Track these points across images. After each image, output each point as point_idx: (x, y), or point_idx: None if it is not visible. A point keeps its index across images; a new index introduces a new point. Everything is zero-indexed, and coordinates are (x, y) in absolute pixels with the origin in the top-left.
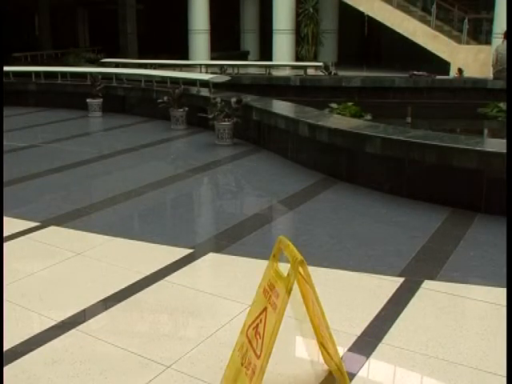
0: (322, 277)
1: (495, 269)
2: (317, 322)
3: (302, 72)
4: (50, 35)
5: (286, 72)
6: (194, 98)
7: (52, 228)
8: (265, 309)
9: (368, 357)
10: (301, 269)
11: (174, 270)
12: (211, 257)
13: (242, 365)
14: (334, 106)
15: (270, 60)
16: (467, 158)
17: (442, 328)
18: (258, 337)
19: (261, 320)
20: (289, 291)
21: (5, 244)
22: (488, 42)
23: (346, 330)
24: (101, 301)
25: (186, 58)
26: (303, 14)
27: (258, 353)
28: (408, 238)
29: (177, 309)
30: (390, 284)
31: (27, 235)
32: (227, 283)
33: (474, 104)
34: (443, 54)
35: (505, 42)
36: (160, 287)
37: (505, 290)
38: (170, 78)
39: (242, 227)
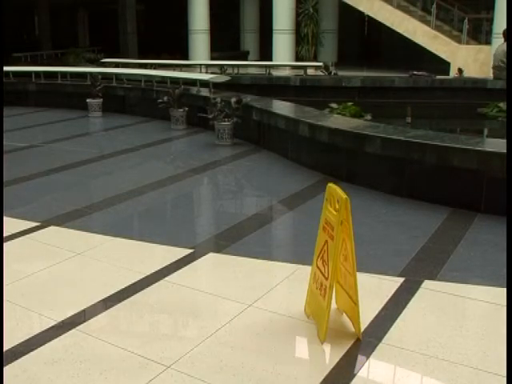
0: None
1: (495, 269)
2: (340, 259)
3: (302, 72)
4: (50, 35)
5: (286, 72)
6: (193, 98)
7: (52, 228)
8: (325, 242)
9: (368, 357)
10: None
11: (174, 270)
12: (211, 257)
13: (317, 289)
14: (334, 106)
15: (270, 60)
16: (467, 158)
17: (442, 328)
18: (324, 264)
19: (324, 251)
20: (340, 223)
21: (5, 244)
22: (488, 42)
23: (346, 329)
24: (101, 301)
25: (186, 58)
26: (303, 13)
27: (326, 275)
28: (408, 238)
29: (177, 309)
30: (390, 284)
31: (27, 235)
32: (227, 283)
33: (474, 104)
34: (443, 54)
35: (503, 43)
36: (160, 287)
37: (505, 289)
38: (170, 78)
39: (242, 227)
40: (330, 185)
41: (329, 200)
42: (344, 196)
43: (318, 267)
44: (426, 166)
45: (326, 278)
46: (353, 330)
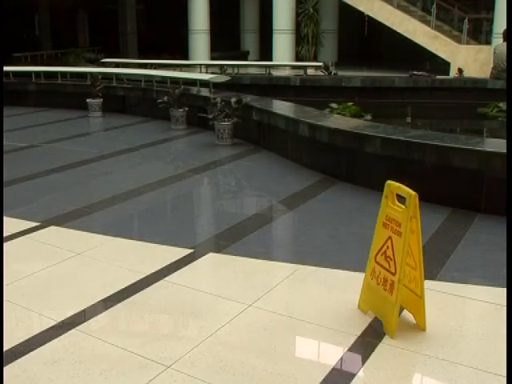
0: (322, 277)
1: (495, 269)
2: (403, 254)
3: (302, 72)
4: (50, 35)
5: (286, 72)
6: (193, 98)
7: (52, 228)
8: (389, 238)
9: (368, 357)
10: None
11: (174, 270)
12: (211, 257)
13: (378, 284)
14: (334, 106)
15: (270, 60)
16: (467, 158)
17: (442, 328)
18: (388, 259)
19: (387, 247)
20: (409, 219)
21: (5, 244)
22: (488, 42)
23: (346, 329)
24: (101, 301)
25: (186, 58)
26: (303, 13)
27: (393, 270)
28: None
29: (177, 309)
30: None
31: (27, 235)
32: (227, 283)
33: (474, 104)
34: (443, 54)
35: (503, 43)
36: (160, 287)
37: (505, 289)
38: (170, 78)
39: (242, 227)
40: (391, 182)
41: (389, 197)
42: (413, 192)
43: (378, 263)
44: (426, 165)
45: (393, 273)
46: (351, 329)
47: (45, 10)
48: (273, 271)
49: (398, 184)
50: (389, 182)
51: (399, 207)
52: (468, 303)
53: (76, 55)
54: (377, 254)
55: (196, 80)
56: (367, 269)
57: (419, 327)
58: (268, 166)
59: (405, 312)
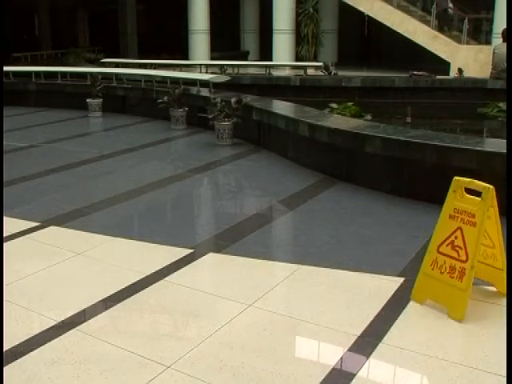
0: (322, 277)
1: None
2: (477, 242)
3: (302, 72)
4: (50, 35)
5: (286, 72)
6: (193, 98)
7: (52, 228)
8: (458, 228)
9: (368, 357)
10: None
11: (174, 270)
12: (211, 257)
13: (443, 273)
14: (334, 106)
15: (270, 60)
16: (467, 158)
17: (441, 328)
18: (456, 248)
19: (456, 237)
20: (487, 210)
21: (5, 244)
22: (488, 41)
23: (346, 329)
24: (101, 301)
25: (186, 58)
26: (303, 13)
27: (464, 258)
28: (408, 238)
29: (177, 309)
30: (389, 284)
31: (27, 235)
32: (227, 283)
33: (474, 104)
34: (443, 54)
35: (503, 43)
36: (160, 287)
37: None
38: (170, 78)
39: (242, 227)
40: (459, 178)
41: (457, 191)
42: (490, 186)
43: (441, 253)
44: (426, 165)
45: (464, 261)
46: (351, 329)
47: (45, 10)
48: (273, 271)
49: (469, 179)
50: (457, 177)
51: (472, 200)
52: (468, 303)
53: (76, 55)
54: (440, 245)
55: (196, 80)
56: (425, 261)
57: (500, 294)
58: (268, 166)
59: (404, 313)
